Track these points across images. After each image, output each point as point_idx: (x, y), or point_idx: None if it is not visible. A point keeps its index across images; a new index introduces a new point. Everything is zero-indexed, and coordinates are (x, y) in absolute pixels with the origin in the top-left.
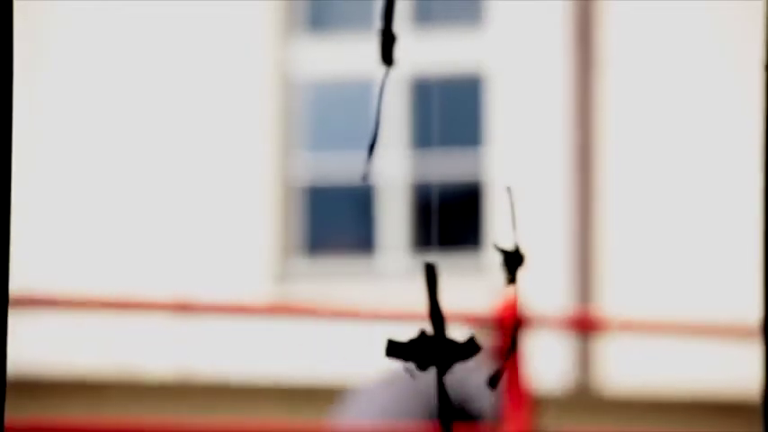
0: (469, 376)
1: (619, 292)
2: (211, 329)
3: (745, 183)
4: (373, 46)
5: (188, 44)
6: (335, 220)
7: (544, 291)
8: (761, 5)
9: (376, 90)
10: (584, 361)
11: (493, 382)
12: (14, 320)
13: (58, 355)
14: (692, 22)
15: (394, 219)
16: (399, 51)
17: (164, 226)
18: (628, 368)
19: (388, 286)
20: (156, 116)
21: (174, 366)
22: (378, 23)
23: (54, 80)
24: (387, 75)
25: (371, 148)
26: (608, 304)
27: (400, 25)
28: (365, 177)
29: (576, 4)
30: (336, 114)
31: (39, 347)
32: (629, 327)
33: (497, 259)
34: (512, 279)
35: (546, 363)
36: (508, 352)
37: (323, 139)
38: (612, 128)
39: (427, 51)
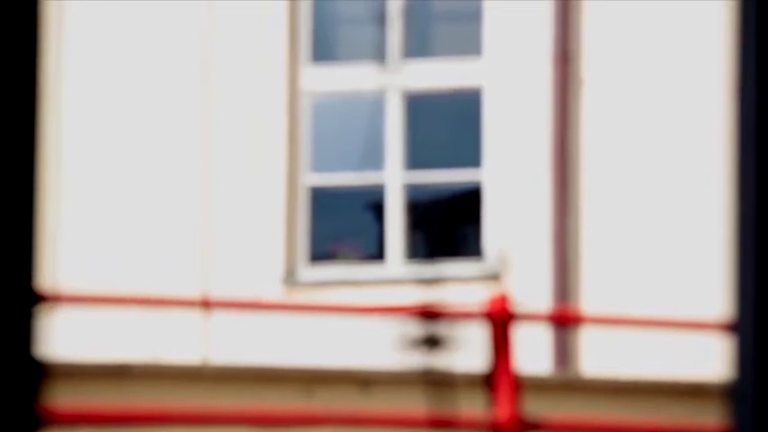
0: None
1: (596, 290)
2: (229, 322)
3: (714, 187)
4: (374, 67)
5: (206, 56)
6: (340, 229)
7: (530, 288)
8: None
9: (376, 108)
10: (566, 350)
11: (485, 370)
12: (48, 315)
13: (89, 344)
14: (668, 37)
15: (395, 227)
16: (399, 72)
17: (186, 229)
18: (604, 357)
19: (389, 291)
20: (179, 127)
21: (197, 354)
22: (377, 47)
23: (71, 82)
24: (386, 93)
25: (371, 159)
26: (586, 301)
27: (399, 47)
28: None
29: (557, 28)
30: (340, 130)
31: (71, 337)
32: (604, 321)
33: (488, 261)
34: (501, 278)
35: (531, 352)
36: (497, 343)
37: (328, 151)
38: (590, 138)
39: (424, 72)
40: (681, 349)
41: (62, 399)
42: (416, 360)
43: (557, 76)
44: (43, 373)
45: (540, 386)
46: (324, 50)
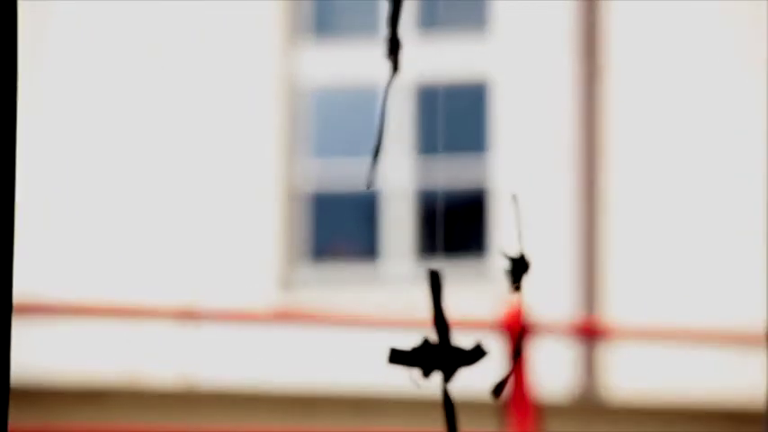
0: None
1: (624, 299)
2: (216, 337)
3: (750, 190)
4: (378, 52)
5: (194, 49)
6: (341, 226)
7: (549, 297)
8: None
9: (381, 96)
10: (590, 368)
11: (498, 390)
12: (18, 327)
13: (61, 363)
14: (698, 26)
15: (399, 225)
16: (405, 57)
17: (168, 233)
18: (633, 376)
19: (392, 292)
20: (162, 122)
21: (179, 375)
22: (383, 29)
23: (57, 83)
24: (392, 80)
25: (375, 153)
26: (613, 311)
27: (406, 31)
28: (369, 183)
29: (581, 9)
30: (342, 120)
31: (43, 355)
32: (634, 334)
33: (502, 266)
34: (517, 286)
35: (551, 370)
36: (513, 359)
37: (328, 145)
38: (618, 134)
39: (433, 57)
40: (719, 366)
41: (32, 421)
42: (421, 378)
43: (581, 63)
44: (8, 393)
45: (561, 410)
46: (323, 36)
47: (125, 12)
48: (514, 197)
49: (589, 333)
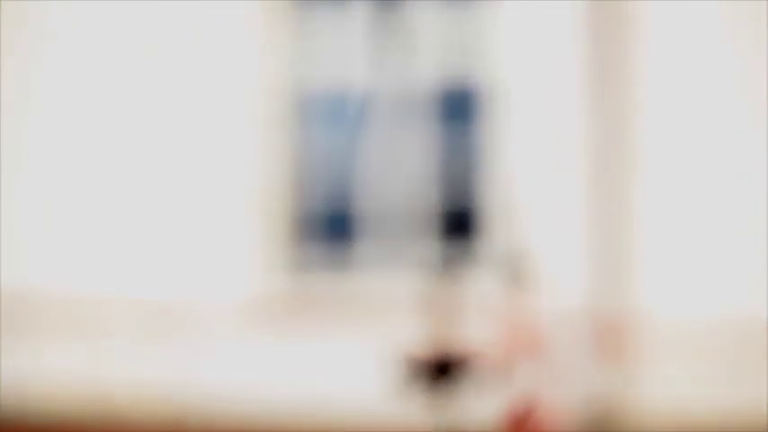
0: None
1: (653, 306)
2: (206, 345)
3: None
4: (375, 49)
5: (193, 48)
6: (337, 216)
7: (562, 304)
8: None
9: (376, 88)
10: (610, 384)
11: (504, 411)
12: None
13: (37, 393)
14: (722, 22)
15: (398, 214)
16: (406, 59)
17: (143, 234)
18: (661, 393)
19: (391, 283)
20: (147, 115)
21: (164, 401)
22: (379, 28)
23: (44, 80)
24: (386, 68)
25: (361, 134)
26: (639, 323)
27: (403, 29)
28: (358, 166)
29: (594, 5)
30: (339, 114)
31: (15, 384)
32: (666, 351)
33: (505, 265)
34: (522, 290)
35: (565, 387)
36: (519, 374)
37: (322, 137)
38: (638, 121)
39: (439, 52)
40: (757, 383)
41: None
42: (420, 404)
43: (598, 45)
44: None
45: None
46: (321, 34)
47: (121, 13)
48: (514, 192)
49: (612, 345)
